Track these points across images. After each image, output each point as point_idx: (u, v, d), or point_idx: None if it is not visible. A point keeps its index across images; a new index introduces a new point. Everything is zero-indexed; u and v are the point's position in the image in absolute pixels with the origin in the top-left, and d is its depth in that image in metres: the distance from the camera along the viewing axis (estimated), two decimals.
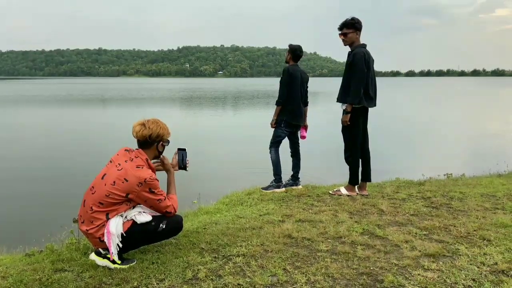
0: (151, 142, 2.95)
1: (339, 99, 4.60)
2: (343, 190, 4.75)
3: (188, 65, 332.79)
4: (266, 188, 5.13)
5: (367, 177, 4.78)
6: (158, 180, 2.87)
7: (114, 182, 2.75)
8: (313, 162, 8.96)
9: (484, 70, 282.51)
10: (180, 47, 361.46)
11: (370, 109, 4.68)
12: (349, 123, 4.45)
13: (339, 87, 4.59)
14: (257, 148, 11.62)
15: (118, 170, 2.79)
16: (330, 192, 4.80)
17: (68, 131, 15.22)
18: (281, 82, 4.94)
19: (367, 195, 4.71)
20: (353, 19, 4.42)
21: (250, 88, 64.59)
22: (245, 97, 40.07)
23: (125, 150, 2.94)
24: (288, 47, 5.06)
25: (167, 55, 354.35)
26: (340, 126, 4.66)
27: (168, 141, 3.08)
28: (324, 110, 22.34)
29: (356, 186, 4.78)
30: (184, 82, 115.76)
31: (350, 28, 4.41)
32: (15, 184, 7.59)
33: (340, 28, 4.46)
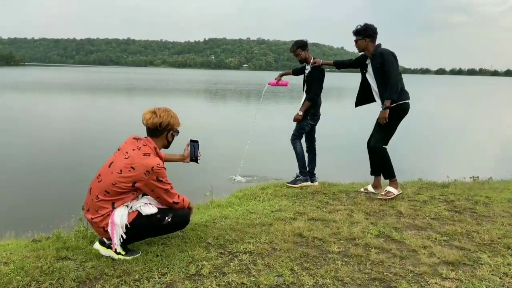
0: (161, 130, 2.87)
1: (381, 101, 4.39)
2: (393, 190, 4.43)
3: (213, 57, 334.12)
4: (294, 182, 5.00)
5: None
6: (165, 169, 2.78)
7: (121, 170, 2.68)
8: (330, 159, 8.77)
9: None
10: (207, 39, 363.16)
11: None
12: (387, 120, 4.27)
13: (372, 92, 4.49)
14: (270, 141, 11.49)
15: (125, 158, 2.72)
16: (379, 197, 4.40)
17: (86, 118, 15.44)
18: (317, 78, 4.97)
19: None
20: (362, 26, 4.41)
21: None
22: (268, 91, 39.84)
23: (134, 138, 2.87)
24: (300, 44, 5.06)
25: (193, 47, 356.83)
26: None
27: (177, 131, 3.00)
28: (343, 106, 21.92)
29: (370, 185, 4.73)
30: (212, 74, 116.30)
31: (358, 35, 4.42)
32: (30, 170, 7.71)
33: (354, 35, 4.49)
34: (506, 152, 11.41)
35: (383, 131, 4.41)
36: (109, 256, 2.72)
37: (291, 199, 4.38)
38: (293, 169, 5.17)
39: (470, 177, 5.87)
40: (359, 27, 4.42)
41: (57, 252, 2.81)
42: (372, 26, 4.39)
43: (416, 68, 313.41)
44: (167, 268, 2.61)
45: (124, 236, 2.68)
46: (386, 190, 4.43)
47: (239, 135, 12.58)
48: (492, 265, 2.75)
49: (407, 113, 4.41)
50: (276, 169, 7.58)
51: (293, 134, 5.06)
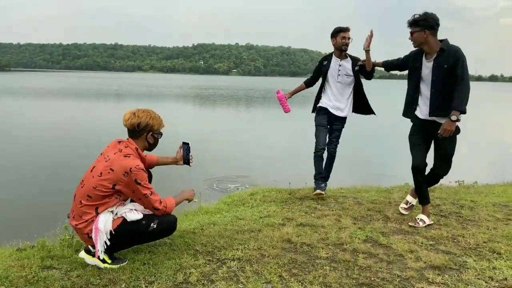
0: (139, 131, 2.84)
1: (437, 111, 3.60)
2: (426, 219, 3.74)
3: (202, 62, 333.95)
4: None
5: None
6: (145, 171, 2.73)
7: (101, 173, 2.66)
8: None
9: (502, 76, 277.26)
10: (195, 44, 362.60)
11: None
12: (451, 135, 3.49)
13: (428, 99, 3.63)
14: (259, 148, 11.52)
15: (105, 161, 2.71)
16: (410, 224, 3.70)
17: (73, 125, 15.26)
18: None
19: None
20: (421, 15, 3.55)
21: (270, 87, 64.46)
22: (258, 96, 39.96)
23: (117, 141, 2.86)
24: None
25: (182, 52, 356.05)
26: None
27: (159, 133, 2.96)
28: None
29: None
30: (202, 80, 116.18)
31: (416, 26, 3.57)
32: (16, 178, 7.58)
33: (408, 26, 3.66)
34: (491, 156, 11.60)
35: (451, 153, 3.69)
36: (95, 265, 2.68)
37: (279, 205, 4.38)
38: (286, 173, 5.17)
39: (456, 182, 5.97)
40: (417, 16, 3.57)
41: (42, 261, 2.76)
42: (434, 15, 3.54)
43: (402, 74, 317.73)
44: (154, 276, 2.59)
45: (108, 243, 2.64)
46: (420, 218, 3.75)
47: (232, 140, 12.60)
48: (477, 269, 2.78)
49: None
50: (267, 175, 7.59)
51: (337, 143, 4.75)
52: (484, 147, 13.25)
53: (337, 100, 4.60)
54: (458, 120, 3.41)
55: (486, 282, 2.60)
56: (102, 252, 2.64)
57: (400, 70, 4.07)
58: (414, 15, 3.59)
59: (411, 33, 3.62)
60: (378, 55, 4.55)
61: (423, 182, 3.83)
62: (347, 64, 4.54)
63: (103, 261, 2.67)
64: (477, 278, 2.66)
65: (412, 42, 3.66)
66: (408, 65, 3.81)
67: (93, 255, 2.70)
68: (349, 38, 4.46)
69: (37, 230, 3.68)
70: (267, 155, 10.34)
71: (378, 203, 4.44)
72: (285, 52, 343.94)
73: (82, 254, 2.75)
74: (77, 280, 2.51)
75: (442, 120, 3.53)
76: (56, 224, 3.55)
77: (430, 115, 3.62)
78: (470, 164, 10.12)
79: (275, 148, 11.36)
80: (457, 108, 3.38)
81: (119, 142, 2.85)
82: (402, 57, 3.95)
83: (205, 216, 4.05)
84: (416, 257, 2.97)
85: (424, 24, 3.51)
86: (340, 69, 4.53)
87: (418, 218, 3.77)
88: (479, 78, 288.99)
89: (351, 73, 4.52)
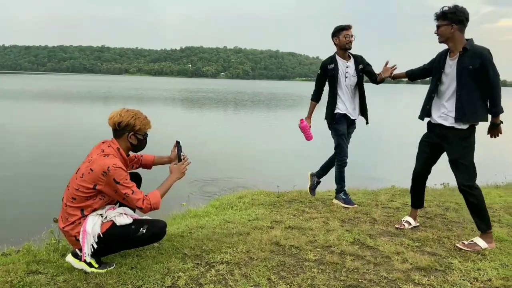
0: (120, 130, 2.80)
1: (465, 117, 3.26)
2: (481, 243, 3.27)
3: (190, 65, 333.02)
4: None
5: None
6: (124, 170, 2.66)
7: (82, 174, 2.65)
8: (307, 166, 8.84)
9: None
10: (183, 47, 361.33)
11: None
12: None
13: (453, 103, 3.31)
14: (249, 150, 11.52)
15: (88, 162, 2.69)
16: (459, 245, 3.30)
17: (60, 128, 15.07)
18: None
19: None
20: (450, 8, 3.28)
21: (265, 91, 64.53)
22: (246, 99, 40.00)
23: (102, 142, 2.84)
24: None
25: (169, 55, 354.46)
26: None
27: (143, 134, 2.89)
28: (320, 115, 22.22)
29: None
30: (190, 83, 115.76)
31: (443, 19, 3.29)
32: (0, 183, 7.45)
33: (435, 19, 3.38)
34: (475, 160, 11.78)
35: (472, 162, 3.33)
36: (82, 269, 2.66)
37: (268, 208, 4.40)
38: (275, 176, 5.18)
39: (441, 184, 6.06)
40: (446, 8, 3.27)
41: (28, 266, 2.73)
42: (464, 9, 3.25)
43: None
44: (142, 280, 2.57)
45: (95, 246, 2.61)
46: (472, 241, 3.32)
47: (221, 143, 12.57)
48: (462, 270, 2.83)
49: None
50: (255, 178, 7.60)
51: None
52: None
53: (350, 102, 4.47)
54: (501, 122, 3.29)
55: (471, 283, 2.65)
56: (89, 256, 2.61)
57: (428, 76, 3.70)
58: (443, 7, 3.31)
59: (438, 27, 3.34)
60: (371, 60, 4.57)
61: (418, 189, 3.76)
62: (352, 64, 4.41)
63: (90, 265, 2.65)
64: (462, 279, 2.70)
65: (437, 37, 3.38)
66: (433, 66, 3.54)
67: (80, 259, 2.67)
68: (352, 36, 4.32)
69: (22, 235, 3.62)
70: (256, 158, 10.35)
71: (365, 206, 4.49)
72: (273, 55, 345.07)
73: (69, 258, 2.72)
74: (64, 284, 2.49)
75: (446, 123, 3.35)
76: (42, 229, 3.51)
77: (456, 120, 3.29)
78: None
79: (264, 151, 11.38)
80: (497, 112, 3.22)
81: (104, 142, 2.83)
82: (424, 65, 3.71)
83: (194, 220, 4.04)
84: (402, 259, 3.00)
85: (452, 18, 3.24)
86: (347, 71, 4.39)
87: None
88: None
89: (355, 73, 4.42)
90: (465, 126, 3.28)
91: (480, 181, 6.57)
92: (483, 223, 3.32)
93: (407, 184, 5.83)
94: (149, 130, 2.94)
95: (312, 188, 4.92)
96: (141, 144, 2.92)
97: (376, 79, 4.30)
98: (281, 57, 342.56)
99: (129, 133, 2.82)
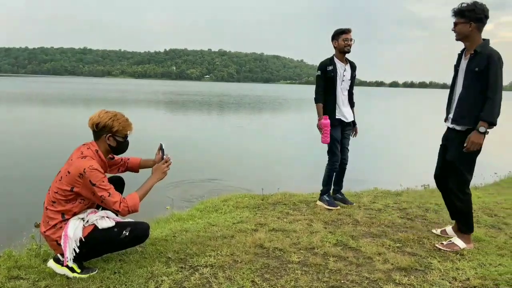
0: (98, 132, 2.77)
1: (460, 119, 3.21)
2: (460, 243, 3.33)
3: (174, 67, 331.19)
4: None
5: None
6: (100, 172, 2.63)
7: (61, 177, 2.63)
8: (291, 169, 8.94)
9: None
10: (167, 50, 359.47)
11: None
12: (478, 149, 3.14)
13: (454, 104, 3.28)
14: (233, 153, 11.53)
15: (67, 164, 2.68)
16: (438, 246, 3.36)
17: (41, 131, 14.80)
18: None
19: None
20: (469, 5, 3.12)
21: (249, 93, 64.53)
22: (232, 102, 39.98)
23: (82, 144, 2.81)
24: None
25: (153, 57, 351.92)
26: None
27: (123, 136, 2.84)
28: (304, 117, 22.38)
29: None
30: (175, 85, 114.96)
31: (461, 17, 3.16)
32: None
33: (453, 15, 3.24)
34: None
35: (468, 167, 3.24)
36: (64, 275, 2.63)
37: (252, 211, 4.42)
38: (259, 179, 5.20)
39: (422, 186, 6.19)
40: (464, 5, 3.12)
41: (9, 271, 2.69)
42: (484, 6, 3.09)
43: (371, 81, 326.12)
44: (125, 285, 2.56)
45: (77, 250, 2.59)
46: (451, 241, 3.39)
47: (205, 146, 12.53)
48: (442, 270, 2.90)
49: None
50: (240, 181, 7.61)
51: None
52: None
53: (345, 105, 4.49)
54: (486, 132, 3.05)
55: (450, 283, 2.72)
56: (71, 260, 2.58)
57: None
58: (462, 3, 3.15)
59: (455, 24, 3.21)
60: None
61: (443, 195, 3.60)
62: (349, 69, 4.45)
63: (72, 270, 2.62)
64: (441, 279, 2.77)
65: (455, 34, 3.26)
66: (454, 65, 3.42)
67: (62, 264, 2.64)
68: (351, 39, 4.33)
69: (2, 241, 3.56)
70: (240, 161, 10.36)
71: (348, 207, 4.55)
72: (258, 58, 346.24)
73: (51, 263, 2.69)
74: None
75: (458, 127, 3.24)
76: (23, 234, 3.45)
77: (452, 122, 3.28)
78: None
79: (248, 154, 11.40)
80: (486, 118, 3.01)
81: (84, 144, 2.81)
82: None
83: (177, 223, 4.03)
84: (384, 259, 3.06)
85: (471, 16, 3.09)
86: (344, 74, 4.41)
87: (451, 241, 3.40)
88: (444, 86, 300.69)
89: (350, 78, 4.48)
90: (463, 129, 3.18)
91: None
92: (465, 226, 3.37)
93: (389, 186, 5.98)
94: (131, 133, 2.90)
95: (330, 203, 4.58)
96: (120, 146, 2.86)
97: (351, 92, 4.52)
98: (266, 60, 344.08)
99: (107, 134, 2.78)
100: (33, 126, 16.00)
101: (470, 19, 3.09)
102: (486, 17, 3.10)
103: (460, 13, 3.14)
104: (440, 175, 3.51)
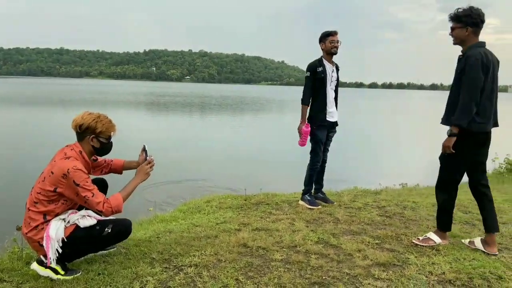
0: (81, 133, 2.78)
1: (445, 120, 3.29)
2: (435, 238, 3.43)
3: (154, 68, 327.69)
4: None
5: (492, 226, 3.31)
6: (84, 172, 2.64)
7: (44, 178, 2.63)
8: (273, 170, 9.02)
9: (441, 84, 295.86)
10: (147, 50, 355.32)
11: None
12: (453, 150, 3.15)
13: (445, 105, 3.32)
14: (216, 155, 11.55)
15: (50, 165, 2.68)
16: (415, 241, 3.46)
17: (20, 134, 14.49)
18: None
19: (495, 254, 3.26)
20: (465, 10, 3.15)
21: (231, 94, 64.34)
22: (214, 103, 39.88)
23: (66, 146, 2.81)
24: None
25: (133, 58, 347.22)
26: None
27: (106, 138, 2.85)
28: (286, 118, 22.57)
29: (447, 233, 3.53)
30: (155, 86, 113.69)
31: (457, 22, 3.20)
32: None
33: (450, 20, 3.29)
34: (431, 160, 12.36)
35: (444, 166, 3.36)
36: (48, 277, 2.63)
37: (235, 211, 4.47)
38: (242, 180, 5.25)
39: (400, 184, 6.37)
40: (460, 10, 3.17)
41: None
42: (479, 10, 3.14)
43: (351, 82, 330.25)
44: (110, 286, 2.58)
45: (60, 251, 2.58)
46: (426, 236, 3.48)
47: (187, 147, 12.50)
48: (418, 265, 3.02)
49: (484, 143, 3.26)
50: (223, 181, 7.64)
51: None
52: (424, 152, 14.12)
53: (331, 106, 4.55)
54: (453, 134, 3.11)
55: (426, 277, 2.83)
56: (54, 261, 2.58)
57: None
58: (458, 8, 3.20)
59: (452, 29, 3.24)
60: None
61: (477, 198, 3.45)
62: (335, 70, 4.55)
63: (56, 272, 2.62)
64: (418, 273, 2.88)
65: (452, 39, 3.29)
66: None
67: (46, 266, 2.64)
68: (338, 41, 4.41)
69: None
70: (223, 162, 10.39)
71: (329, 206, 4.65)
72: (239, 59, 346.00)
73: (34, 266, 2.68)
74: None
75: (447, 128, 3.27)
76: (4, 238, 3.41)
77: (441, 121, 3.33)
78: (412, 168, 10.76)
79: (231, 155, 11.44)
80: (453, 121, 3.11)
81: (67, 146, 2.81)
82: None
83: (161, 225, 4.04)
84: (363, 256, 3.16)
85: (467, 21, 3.13)
86: (333, 75, 4.49)
87: (427, 236, 3.50)
88: (421, 87, 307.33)
89: (337, 79, 4.57)
90: (447, 127, 3.22)
91: (431, 180, 6.94)
92: (440, 223, 3.48)
93: (368, 184, 6.13)
94: (115, 134, 2.91)
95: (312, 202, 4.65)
96: (104, 147, 2.88)
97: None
98: (247, 61, 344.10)
99: (91, 136, 2.79)
100: (11, 129, 15.63)
101: (466, 24, 3.14)
102: (482, 21, 3.14)
103: (456, 18, 3.19)
104: (469, 182, 3.43)
